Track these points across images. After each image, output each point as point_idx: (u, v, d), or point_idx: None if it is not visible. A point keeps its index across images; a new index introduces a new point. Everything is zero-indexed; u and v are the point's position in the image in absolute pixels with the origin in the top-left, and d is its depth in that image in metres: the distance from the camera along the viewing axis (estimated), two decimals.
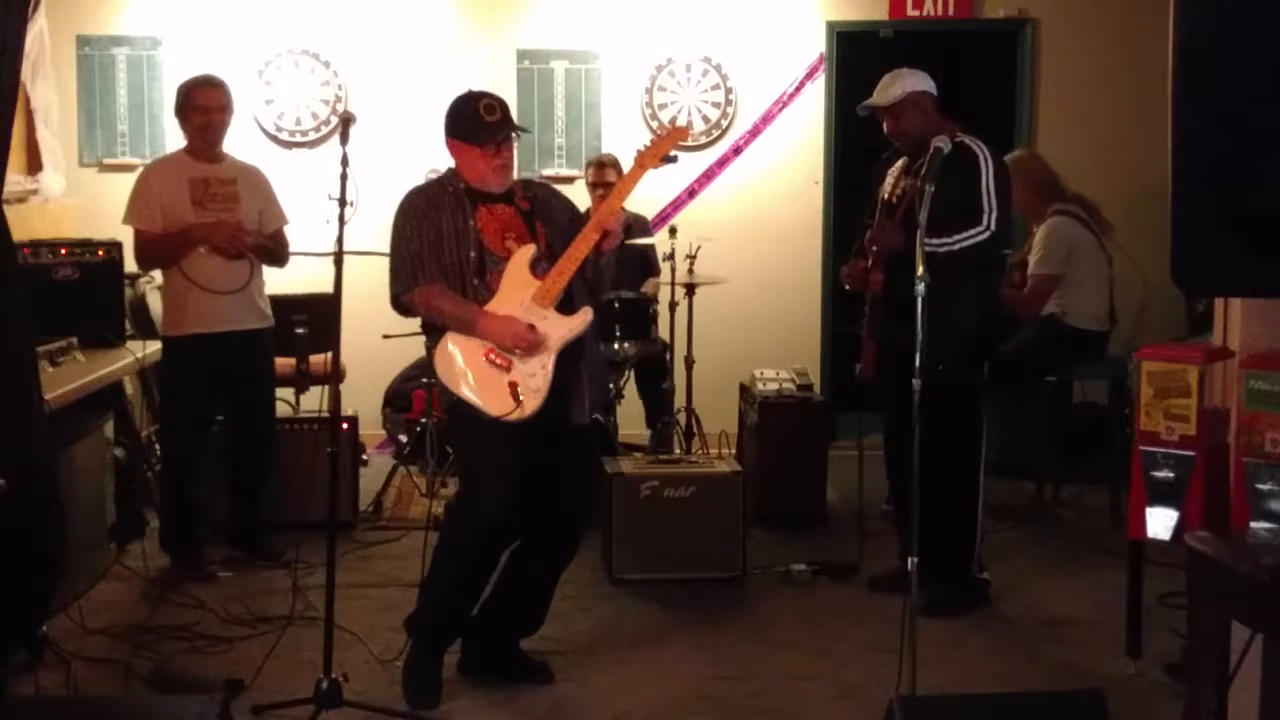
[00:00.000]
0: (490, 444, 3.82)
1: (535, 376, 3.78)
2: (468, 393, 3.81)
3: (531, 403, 3.76)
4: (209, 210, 5.03)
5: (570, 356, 3.87)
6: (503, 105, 3.93)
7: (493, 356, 3.79)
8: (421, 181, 4.11)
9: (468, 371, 3.82)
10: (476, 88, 4.00)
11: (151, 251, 5.03)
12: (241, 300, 5.06)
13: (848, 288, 4.87)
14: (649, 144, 4.05)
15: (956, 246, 4.39)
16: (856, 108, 4.75)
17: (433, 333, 3.93)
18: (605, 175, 6.30)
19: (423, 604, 4.03)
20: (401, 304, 3.91)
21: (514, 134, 3.93)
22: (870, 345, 4.72)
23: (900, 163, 4.73)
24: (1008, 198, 4.53)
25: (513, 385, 3.76)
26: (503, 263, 3.86)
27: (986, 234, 4.44)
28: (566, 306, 3.86)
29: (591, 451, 4.26)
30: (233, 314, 5.04)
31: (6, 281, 3.33)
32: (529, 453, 3.83)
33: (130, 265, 5.29)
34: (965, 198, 4.40)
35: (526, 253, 3.86)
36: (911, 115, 4.57)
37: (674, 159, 4.40)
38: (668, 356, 6.15)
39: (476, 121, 3.88)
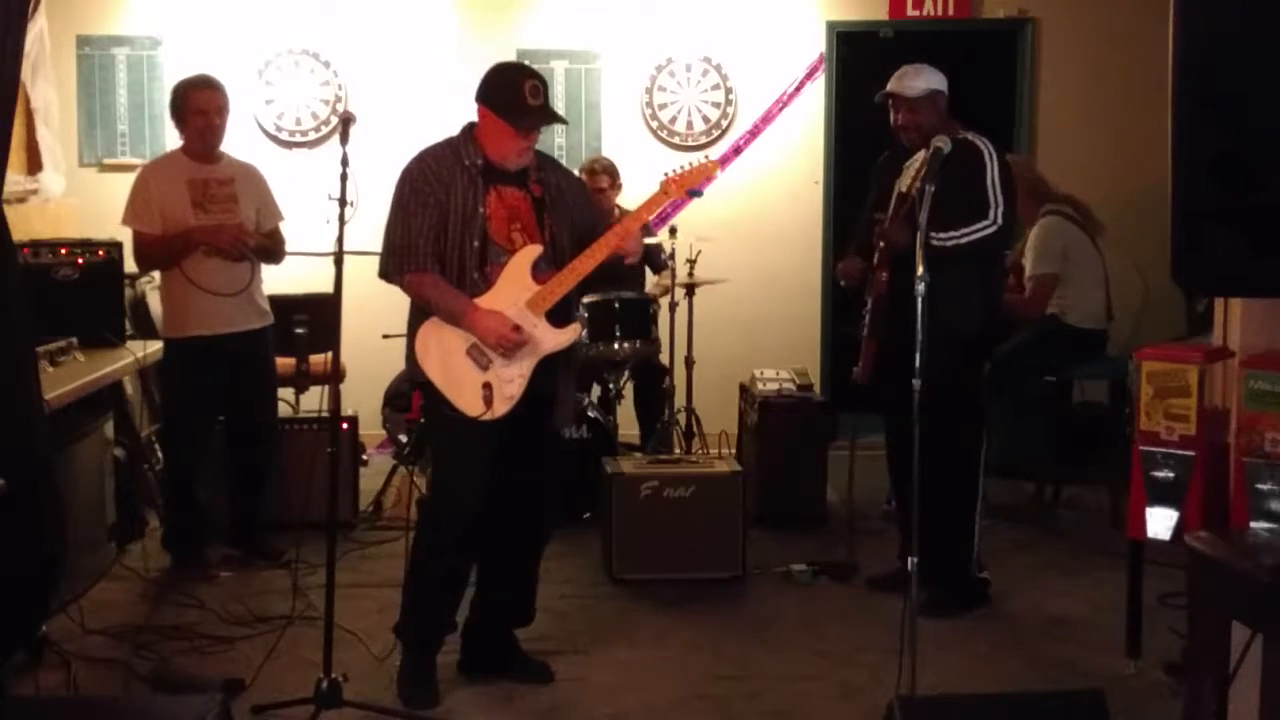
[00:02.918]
0: (467, 445, 3.80)
1: (512, 383, 3.74)
2: (439, 381, 3.77)
3: (501, 408, 3.73)
4: (209, 212, 5.01)
5: (557, 363, 3.85)
6: (546, 90, 3.79)
7: (474, 353, 3.75)
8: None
9: (444, 360, 3.77)
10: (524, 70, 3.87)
11: (151, 253, 5.01)
12: (242, 301, 5.05)
13: (843, 284, 4.88)
14: (678, 172, 3.91)
15: (965, 240, 4.42)
16: (875, 95, 4.69)
17: (418, 314, 3.85)
18: (598, 182, 6.18)
19: (407, 608, 4.01)
20: (390, 280, 3.83)
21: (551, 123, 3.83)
22: (870, 346, 4.71)
23: (920, 154, 4.72)
24: (1012, 192, 4.57)
25: (487, 387, 3.72)
26: (505, 255, 3.78)
27: (994, 227, 4.47)
28: (560, 311, 3.83)
29: (565, 453, 4.19)
30: (234, 315, 5.03)
31: (6, 282, 3.34)
32: (503, 453, 3.81)
33: (130, 265, 5.28)
34: (971, 192, 4.43)
35: (531, 253, 3.78)
36: (929, 112, 4.60)
37: (700, 194, 4.35)
38: (668, 360, 6.13)
39: (518, 100, 3.71)
